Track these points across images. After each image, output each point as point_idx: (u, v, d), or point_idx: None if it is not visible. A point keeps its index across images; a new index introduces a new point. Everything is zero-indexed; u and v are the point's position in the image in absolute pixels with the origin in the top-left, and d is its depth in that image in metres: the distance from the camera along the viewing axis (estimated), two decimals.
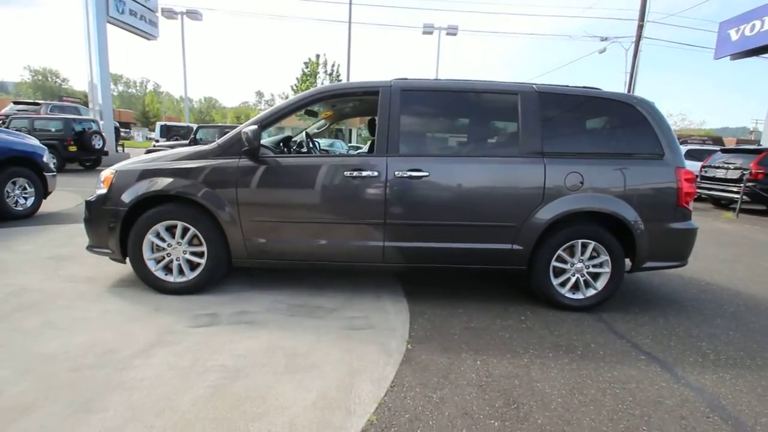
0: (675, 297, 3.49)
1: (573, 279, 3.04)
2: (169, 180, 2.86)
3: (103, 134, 12.93)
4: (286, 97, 34.22)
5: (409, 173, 2.82)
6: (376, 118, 3.01)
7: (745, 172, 9.16)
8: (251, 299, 2.96)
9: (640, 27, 20.20)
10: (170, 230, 2.93)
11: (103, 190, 2.96)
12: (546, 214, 2.88)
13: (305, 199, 2.88)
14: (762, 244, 6.07)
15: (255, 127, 2.72)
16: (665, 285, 3.80)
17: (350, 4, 20.01)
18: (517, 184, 2.90)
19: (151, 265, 2.93)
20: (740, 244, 5.96)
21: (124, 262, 3.02)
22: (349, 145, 20.29)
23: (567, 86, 3.13)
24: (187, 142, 12.43)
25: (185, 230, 2.90)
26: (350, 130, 26.85)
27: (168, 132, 17.42)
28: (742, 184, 8.93)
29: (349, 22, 19.93)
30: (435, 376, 2.06)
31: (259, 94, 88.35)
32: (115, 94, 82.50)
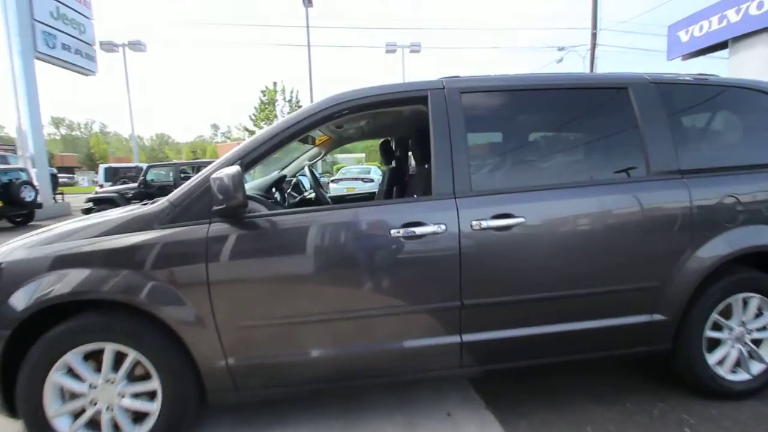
0: None
1: (733, 352, 2.04)
2: (85, 273, 1.63)
3: (35, 184, 11.11)
4: (245, 129, 32.01)
5: (495, 222, 1.74)
6: (418, 139, 1.97)
7: None
8: None
9: (594, 35, 20.71)
10: (93, 359, 1.68)
11: None
12: (700, 261, 1.88)
13: (328, 280, 1.73)
14: None
15: (236, 168, 1.56)
16: None
17: (308, 27, 19.26)
18: (651, 221, 1.89)
19: (61, 425, 1.66)
20: None
21: (17, 418, 1.72)
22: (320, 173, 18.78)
23: (680, 74, 2.20)
24: (135, 185, 10.80)
25: (120, 357, 1.66)
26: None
27: (115, 175, 15.48)
28: None
29: (308, 46, 19.12)
30: None
31: (215, 126, 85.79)
32: (58, 138, 77.37)
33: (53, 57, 14.45)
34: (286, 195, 2.47)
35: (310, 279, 1.72)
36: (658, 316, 1.92)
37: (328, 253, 1.72)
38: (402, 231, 1.70)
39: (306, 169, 2.54)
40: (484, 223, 1.73)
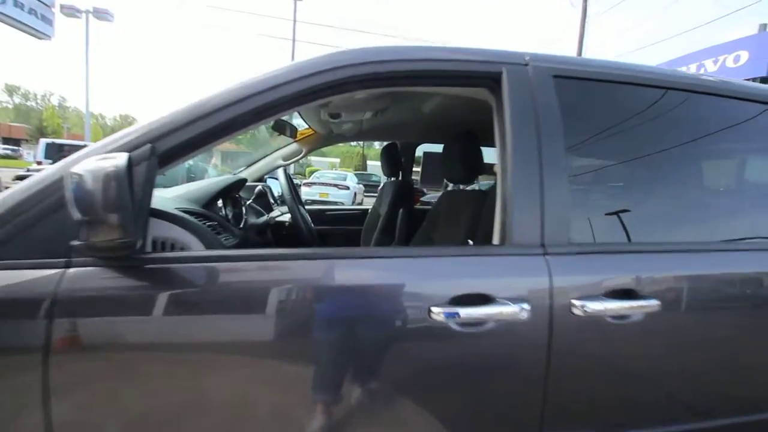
0: None
1: None
2: None
3: None
4: None
5: (613, 304, 0.98)
6: (462, 146, 1.19)
7: None
8: None
9: None
10: None
11: None
12: None
13: (305, 396, 0.91)
14: None
15: (119, 161, 0.71)
16: None
17: (294, 21, 18.37)
18: None
19: None
20: None
21: None
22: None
23: None
24: None
25: None
26: None
27: (60, 151, 13.84)
28: None
29: (293, 40, 18.20)
30: None
31: None
32: (10, 106, 71.52)
33: (2, 14, 12.79)
34: (244, 211, 1.59)
35: (269, 393, 0.88)
36: None
37: (310, 344, 0.90)
38: (448, 311, 0.90)
39: (279, 173, 1.67)
40: (594, 306, 0.96)
